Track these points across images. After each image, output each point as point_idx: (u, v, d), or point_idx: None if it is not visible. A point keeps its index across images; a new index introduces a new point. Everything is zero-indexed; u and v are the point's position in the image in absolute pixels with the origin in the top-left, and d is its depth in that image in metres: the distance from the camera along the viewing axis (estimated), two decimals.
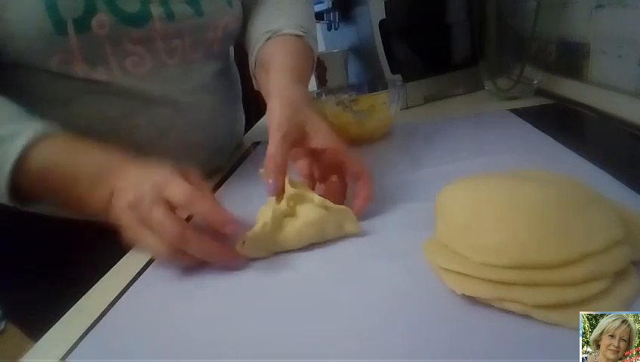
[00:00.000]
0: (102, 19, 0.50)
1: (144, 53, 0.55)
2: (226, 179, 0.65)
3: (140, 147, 0.56)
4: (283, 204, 0.42)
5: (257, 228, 0.41)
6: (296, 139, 0.46)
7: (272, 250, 0.42)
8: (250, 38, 0.66)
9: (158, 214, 0.39)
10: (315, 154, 0.49)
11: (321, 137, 0.47)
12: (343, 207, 0.43)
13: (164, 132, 0.58)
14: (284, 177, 0.44)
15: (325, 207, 0.42)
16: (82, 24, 0.49)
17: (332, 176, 0.49)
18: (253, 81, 0.66)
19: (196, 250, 0.40)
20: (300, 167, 0.50)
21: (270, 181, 0.43)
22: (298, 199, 0.43)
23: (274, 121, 0.46)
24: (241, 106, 0.78)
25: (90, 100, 0.53)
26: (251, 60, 0.64)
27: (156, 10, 0.54)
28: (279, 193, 0.43)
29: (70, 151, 0.45)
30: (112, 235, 0.42)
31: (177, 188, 0.40)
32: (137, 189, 0.41)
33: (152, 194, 0.40)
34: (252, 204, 0.47)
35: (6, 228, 0.59)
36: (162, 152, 0.58)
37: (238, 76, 0.77)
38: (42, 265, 0.60)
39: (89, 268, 0.44)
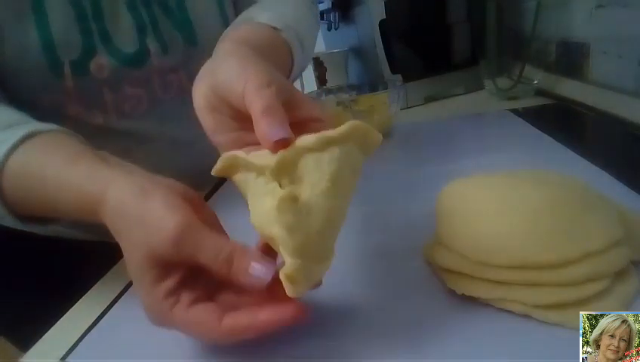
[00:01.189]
0: (101, 62, 0.48)
1: (143, 94, 0.53)
2: (224, 182, 0.65)
3: None
4: (275, 192, 0.27)
5: (286, 255, 0.26)
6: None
7: (321, 252, 0.28)
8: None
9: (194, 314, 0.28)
10: (298, 126, 0.31)
11: (308, 105, 0.33)
12: (349, 126, 0.28)
13: (160, 168, 0.57)
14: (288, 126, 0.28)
15: (331, 142, 0.27)
16: (80, 67, 0.47)
17: None
18: None
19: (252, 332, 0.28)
20: None
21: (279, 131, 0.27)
22: (286, 166, 0.27)
23: (255, 77, 0.30)
24: None
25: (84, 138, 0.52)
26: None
27: (152, 44, 0.52)
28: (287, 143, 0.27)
29: (43, 168, 0.36)
30: (106, 250, 0.41)
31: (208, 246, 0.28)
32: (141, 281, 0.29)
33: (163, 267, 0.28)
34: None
35: None
36: None
37: None
38: (34, 279, 0.59)
39: (81, 284, 0.43)
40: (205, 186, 0.63)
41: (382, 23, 0.86)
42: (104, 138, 0.52)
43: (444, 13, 0.91)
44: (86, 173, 0.34)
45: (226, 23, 0.58)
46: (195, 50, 0.56)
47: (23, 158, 0.36)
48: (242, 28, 0.45)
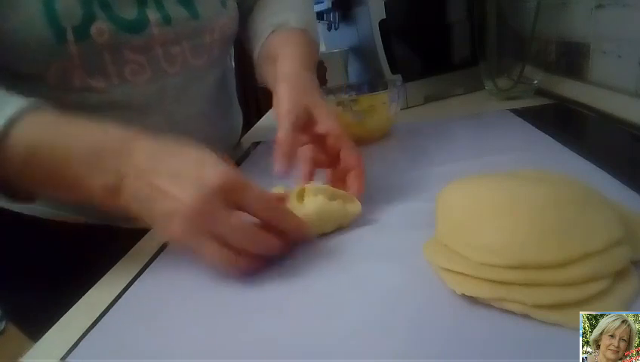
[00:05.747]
0: (101, 26, 0.49)
1: (144, 62, 0.54)
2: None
3: None
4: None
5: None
6: (304, 124, 0.48)
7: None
8: (253, 31, 0.67)
9: (236, 221, 0.36)
10: (318, 140, 0.49)
11: (324, 122, 0.48)
12: (341, 191, 0.44)
13: None
14: (293, 161, 0.45)
15: (324, 195, 0.43)
16: (81, 32, 0.48)
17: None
18: (256, 74, 0.66)
19: (265, 248, 0.38)
20: (304, 152, 0.49)
21: (281, 166, 0.44)
22: (300, 195, 0.44)
23: (283, 106, 0.47)
24: (237, 106, 0.78)
25: (85, 112, 0.53)
26: (255, 53, 0.65)
27: (153, 15, 0.53)
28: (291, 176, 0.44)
29: (62, 125, 0.40)
30: (113, 237, 0.42)
31: (253, 197, 0.37)
32: (190, 189, 0.35)
33: (219, 198, 0.36)
34: None
35: (5, 228, 0.59)
36: None
37: (234, 79, 0.77)
38: (42, 265, 0.60)
39: (89, 270, 0.43)
40: None
41: (382, 23, 0.86)
42: (106, 110, 0.53)
43: (444, 13, 0.91)
44: (101, 129, 0.41)
45: (223, 1, 0.61)
46: (197, 23, 0.58)
47: (37, 122, 0.40)
48: (286, 43, 0.59)
